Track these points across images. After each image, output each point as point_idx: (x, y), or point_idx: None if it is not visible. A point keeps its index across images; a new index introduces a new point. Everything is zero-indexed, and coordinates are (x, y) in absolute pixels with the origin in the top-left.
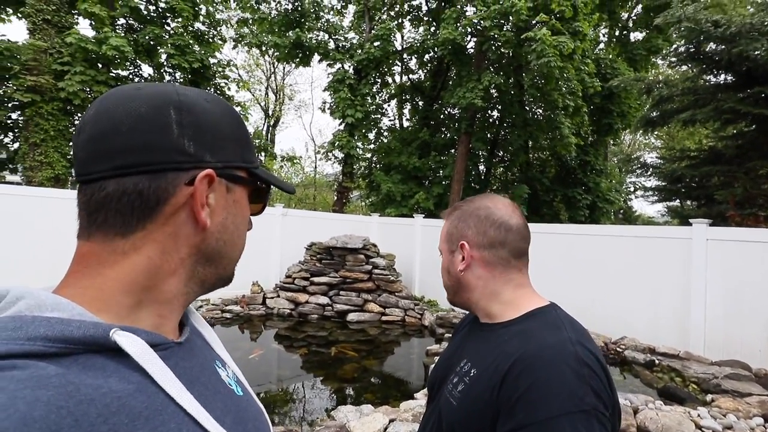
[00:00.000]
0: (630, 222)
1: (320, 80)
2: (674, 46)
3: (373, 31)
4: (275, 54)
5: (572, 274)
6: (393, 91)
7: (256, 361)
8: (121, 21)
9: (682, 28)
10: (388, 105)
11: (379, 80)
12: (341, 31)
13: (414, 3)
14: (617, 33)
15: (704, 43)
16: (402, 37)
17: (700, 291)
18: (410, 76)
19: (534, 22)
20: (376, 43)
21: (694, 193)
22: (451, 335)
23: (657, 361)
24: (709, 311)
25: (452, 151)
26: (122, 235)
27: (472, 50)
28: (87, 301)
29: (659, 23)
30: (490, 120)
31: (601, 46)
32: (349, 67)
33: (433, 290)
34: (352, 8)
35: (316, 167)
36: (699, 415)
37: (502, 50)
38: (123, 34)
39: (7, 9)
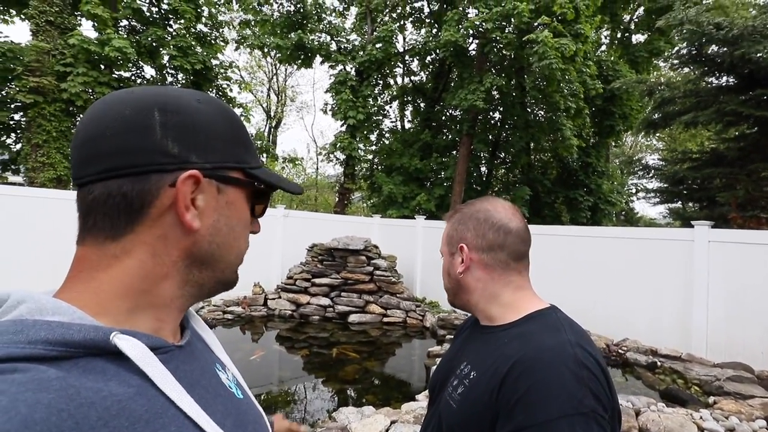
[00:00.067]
0: (632, 224)
1: (322, 82)
2: (676, 48)
3: (374, 33)
4: (277, 55)
5: (574, 275)
6: (395, 93)
7: (258, 362)
8: (124, 22)
9: (684, 31)
10: (390, 106)
11: (381, 82)
12: (343, 33)
13: (416, 5)
14: (619, 35)
15: (706, 46)
16: (404, 38)
17: (702, 293)
18: (412, 77)
19: (536, 24)
20: (377, 45)
21: (695, 195)
22: (452, 337)
23: (659, 363)
24: (711, 313)
25: (454, 152)
26: (112, 238)
27: (473, 52)
28: (85, 305)
29: (661, 25)
30: (492, 122)
31: (603, 48)
32: (351, 68)
33: (434, 292)
34: (354, 10)
35: (317, 168)
36: (701, 417)
37: (504, 52)
38: (125, 36)
39: (11, 10)
